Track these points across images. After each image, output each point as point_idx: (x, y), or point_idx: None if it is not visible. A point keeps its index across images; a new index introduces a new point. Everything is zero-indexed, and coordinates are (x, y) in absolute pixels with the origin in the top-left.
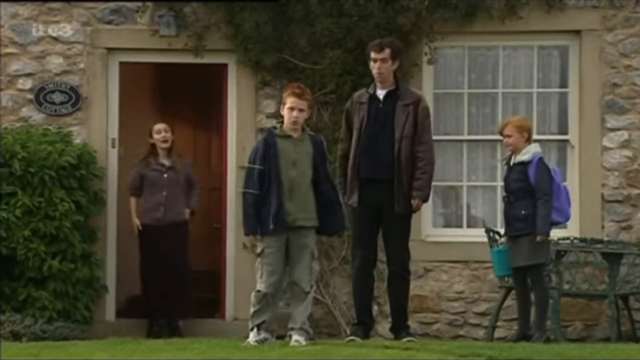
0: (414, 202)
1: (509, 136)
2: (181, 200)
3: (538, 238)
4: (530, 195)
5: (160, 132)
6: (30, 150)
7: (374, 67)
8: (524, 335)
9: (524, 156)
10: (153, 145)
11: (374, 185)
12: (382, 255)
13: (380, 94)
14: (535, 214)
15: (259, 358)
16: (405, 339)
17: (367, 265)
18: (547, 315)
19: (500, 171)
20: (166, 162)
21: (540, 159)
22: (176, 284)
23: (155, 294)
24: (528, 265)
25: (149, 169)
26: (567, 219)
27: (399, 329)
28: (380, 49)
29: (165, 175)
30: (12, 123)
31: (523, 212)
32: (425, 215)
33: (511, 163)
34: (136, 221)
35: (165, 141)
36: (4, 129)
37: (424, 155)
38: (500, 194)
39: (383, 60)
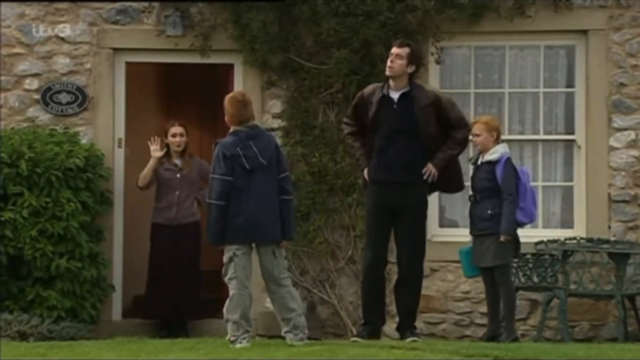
0: (427, 167)
1: (477, 135)
2: (194, 200)
3: (502, 238)
4: (497, 195)
5: (176, 136)
6: (37, 150)
7: (388, 60)
8: (494, 335)
9: (491, 156)
10: (167, 145)
11: (389, 186)
12: (390, 256)
13: (394, 95)
14: (501, 213)
15: (264, 358)
16: (409, 339)
17: (377, 265)
18: (515, 314)
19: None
20: (179, 163)
21: (508, 159)
22: (186, 285)
23: (162, 294)
24: (495, 265)
25: (162, 169)
26: (532, 220)
27: (405, 329)
28: (400, 45)
29: (178, 175)
30: (18, 123)
31: (489, 211)
32: (431, 215)
33: (479, 162)
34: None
35: (178, 145)
36: (11, 129)
37: (464, 136)
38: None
39: (398, 56)
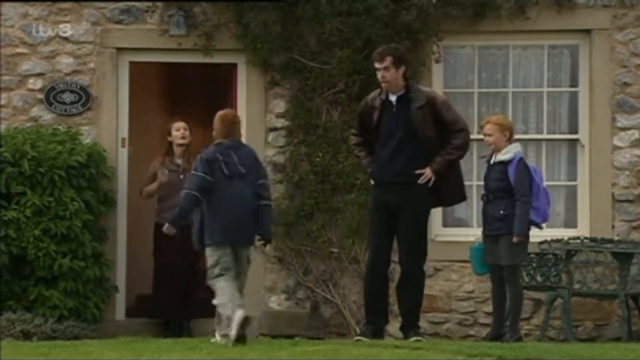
0: (425, 170)
1: (489, 135)
2: None
3: (515, 239)
4: (510, 195)
5: (180, 129)
6: (40, 150)
7: (379, 75)
8: (497, 335)
9: (504, 155)
10: (170, 144)
11: (390, 187)
12: (394, 256)
13: (393, 98)
14: (514, 214)
15: (268, 357)
16: (412, 339)
17: (380, 265)
18: (520, 314)
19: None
20: (181, 163)
21: (521, 159)
22: (191, 284)
23: (168, 294)
24: (505, 265)
25: (164, 169)
26: (545, 219)
27: (408, 328)
28: (381, 59)
29: (181, 176)
30: (22, 123)
31: (502, 212)
32: (435, 215)
33: (491, 162)
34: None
35: (183, 138)
36: (14, 128)
37: (462, 141)
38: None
39: (385, 69)
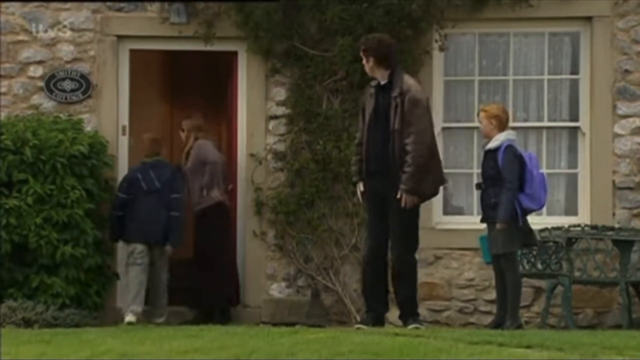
0: (402, 197)
1: (480, 123)
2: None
3: (497, 226)
4: (500, 183)
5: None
6: (42, 137)
7: None
8: (500, 322)
9: (492, 143)
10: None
11: (376, 177)
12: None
13: (379, 86)
14: None
15: (269, 345)
16: (411, 326)
17: (376, 254)
18: (519, 302)
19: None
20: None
21: (508, 147)
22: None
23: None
24: (499, 253)
25: None
26: (541, 206)
27: (407, 316)
28: (359, 47)
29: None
30: (23, 111)
31: (492, 200)
32: (435, 202)
33: (486, 150)
34: None
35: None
36: (15, 116)
37: (411, 148)
38: None
39: (362, 58)
